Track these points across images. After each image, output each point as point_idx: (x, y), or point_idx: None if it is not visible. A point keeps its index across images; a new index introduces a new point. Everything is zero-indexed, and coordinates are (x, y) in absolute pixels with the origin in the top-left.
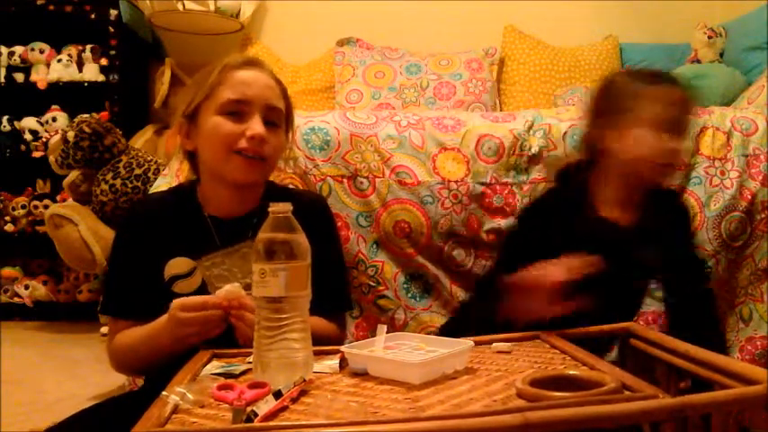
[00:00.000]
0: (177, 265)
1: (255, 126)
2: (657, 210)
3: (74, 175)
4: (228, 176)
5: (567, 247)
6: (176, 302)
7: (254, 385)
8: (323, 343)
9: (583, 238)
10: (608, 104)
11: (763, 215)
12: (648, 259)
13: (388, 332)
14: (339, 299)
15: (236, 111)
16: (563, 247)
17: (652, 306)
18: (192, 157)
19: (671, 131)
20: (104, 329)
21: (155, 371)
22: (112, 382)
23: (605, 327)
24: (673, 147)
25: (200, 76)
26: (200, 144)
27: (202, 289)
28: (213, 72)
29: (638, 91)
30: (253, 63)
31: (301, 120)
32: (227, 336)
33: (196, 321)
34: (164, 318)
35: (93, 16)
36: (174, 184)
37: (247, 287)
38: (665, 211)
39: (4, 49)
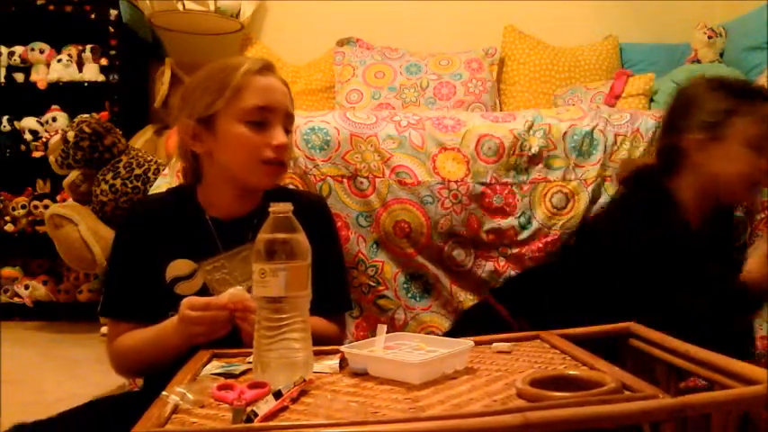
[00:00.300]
0: (178, 266)
1: (280, 136)
2: (718, 223)
3: (74, 175)
4: (252, 183)
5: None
6: (185, 301)
7: (254, 385)
8: (323, 343)
9: (684, 244)
10: (696, 116)
11: (763, 215)
12: (715, 267)
13: (387, 332)
14: (339, 299)
15: (260, 118)
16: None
17: None
18: (195, 158)
19: (765, 150)
20: (104, 329)
21: (156, 372)
22: (112, 382)
23: (605, 327)
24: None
25: (213, 77)
26: (219, 150)
27: (204, 290)
28: (233, 75)
29: (736, 107)
30: (270, 68)
31: (301, 120)
32: (232, 337)
33: (203, 321)
34: (174, 318)
35: (93, 16)
36: (174, 184)
37: (250, 290)
38: (724, 225)
39: (4, 49)
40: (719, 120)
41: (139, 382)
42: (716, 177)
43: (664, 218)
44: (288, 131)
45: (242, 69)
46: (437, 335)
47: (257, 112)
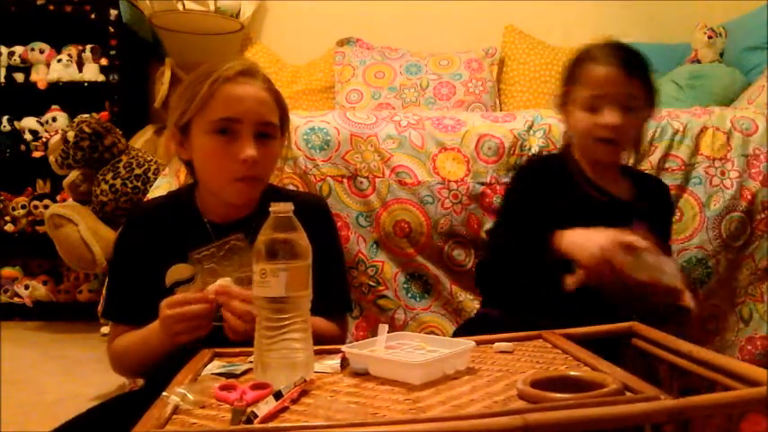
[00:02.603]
0: (178, 271)
1: (247, 150)
2: (643, 191)
3: (74, 175)
4: (225, 198)
5: (568, 210)
6: (164, 302)
7: (256, 386)
8: (324, 343)
9: (581, 204)
10: (563, 78)
11: (763, 215)
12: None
13: (388, 332)
14: (339, 300)
15: (227, 128)
16: (564, 211)
17: None
18: (189, 162)
19: (607, 107)
20: (104, 329)
21: (151, 372)
22: (112, 382)
23: (608, 326)
24: (609, 122)
25: (191, 84)
26: (195, 160)
27: None
28: (205, 83)
29: (577, 71)
30: (246, 73)
31: (301, 120)
32: (214, 336)
33: (183, 317)
34: (157, 321)
35: (93, 16)
36: (174, 183)
37: (239, 281)
38: (650, 194)
39: (4, 49)
40: (570, 85)
41: (140, 382)
42: (578, 138)
43: (552, 177)
44: (268, 136)
45: (211, 77)
46: (437, 335)
47: (222, 123)
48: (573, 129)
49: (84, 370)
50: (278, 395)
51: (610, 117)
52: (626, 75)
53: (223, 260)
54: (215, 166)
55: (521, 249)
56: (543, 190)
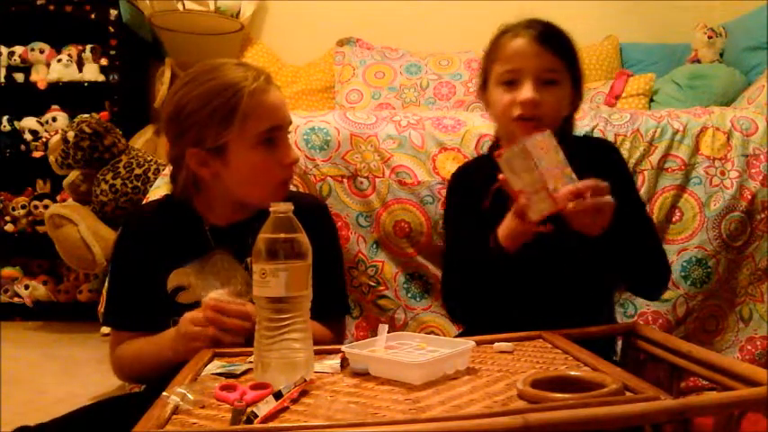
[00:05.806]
0: (180, 276)
1: (291, 153)
2: (583, 160)
3: (74, 175)
4: (264, 203)
5: (495, 209)
6: (187, 316)
7: (256, 386)
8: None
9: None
10: (483, 59)
11: (763, 215)
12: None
13: (388, 332)
14: (337, 303)
15: (273, 137)
16: (492, 210)
17: (652, 306)
18: (195, 175)
19: (523, 82)
20: (104, 329)
21: (156, 379)
22: (112, 382)
23: (609, 326)
24: (525, 97)
25: (212, 103)
26: (230, 175)
27: None
28: (240, 100)
29: (493, 48)
30: (269, 79)
31: (301, 120)
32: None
33: (207, 337)
34: (171, 331)
35: (93, 16)
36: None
37: (235, 294)
38: (591, 158)
39: (4, 49)
40: (485, 68)
41: None
42: (499, 123)
43: (480, 180)
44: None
45: (246, 91)
46: (437, 335)
47: (269, 134)
48: (492, 110)
49: (84, 370)
50: (278, 395)
51: (526, 92)
52: (541, 47)
53: (209, 275)
54: (262, 176)
55: (467, 262)
56: (471, 196)
